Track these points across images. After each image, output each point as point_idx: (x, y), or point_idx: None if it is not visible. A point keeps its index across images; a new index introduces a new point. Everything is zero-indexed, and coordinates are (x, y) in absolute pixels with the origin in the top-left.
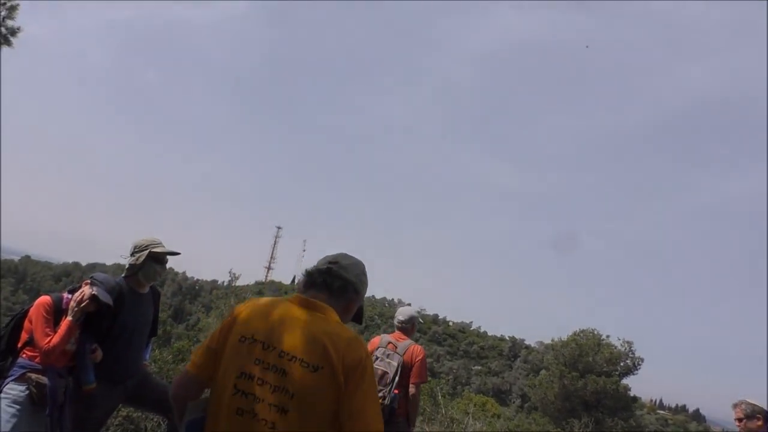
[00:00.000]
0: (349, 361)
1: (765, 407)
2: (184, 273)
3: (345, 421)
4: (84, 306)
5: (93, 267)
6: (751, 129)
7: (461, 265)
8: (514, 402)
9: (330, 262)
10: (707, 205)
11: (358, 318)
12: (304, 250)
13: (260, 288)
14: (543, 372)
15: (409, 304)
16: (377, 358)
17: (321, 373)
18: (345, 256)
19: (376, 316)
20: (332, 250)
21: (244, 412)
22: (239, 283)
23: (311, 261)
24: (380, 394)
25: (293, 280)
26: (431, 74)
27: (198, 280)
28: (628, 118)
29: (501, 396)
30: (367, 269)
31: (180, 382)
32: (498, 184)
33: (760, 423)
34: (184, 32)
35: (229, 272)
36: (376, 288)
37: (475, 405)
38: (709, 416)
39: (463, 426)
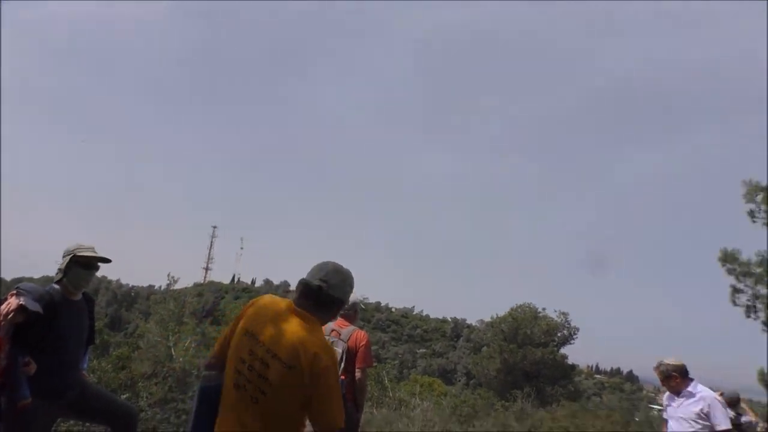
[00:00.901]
0: (316, 369)
1: (680, 363)
2: (118, 281)
3: (312, 418)
4: (12, 318)
5: (19, 281)
6: (671, 104)
7: (401, 253)
8: (459, 380)
9: (321, 280)
10: (635, 179)
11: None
12: (241, 248)
13: (200, 290)
14: (484, 348)
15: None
16: None
17: (293, 372)
18: (335, 273)
19: None
20: (269, 248)
21: (239, 387)
22: (178, 286)
23: (249, 258)
24: None
25: (233, 279)
26: (366, 63)
27: (134, 286)
28: (558, 100)
29: (447, 375)
30: (351, 275)
31: (207, 365)
32: (436, 172)
33: (678, 380)
34: (103, 31)
35: (168, 275)
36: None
37: (421, 386)
38: (642, 376)
39: (411, 407)
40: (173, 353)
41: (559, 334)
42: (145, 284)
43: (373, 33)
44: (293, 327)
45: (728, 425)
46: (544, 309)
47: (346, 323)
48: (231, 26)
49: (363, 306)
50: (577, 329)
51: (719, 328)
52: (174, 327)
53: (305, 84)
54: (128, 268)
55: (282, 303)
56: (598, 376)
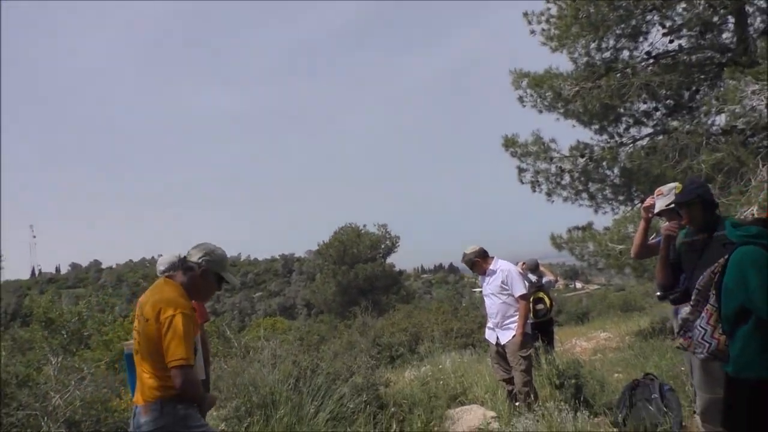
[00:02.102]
0: (161, 318)
1: (477, 248)
2: None
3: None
4: None
5: None
6: (439, 13)
7: (208, 201)
8: (301, 313)
9: (188, 253)
10: (417, 82)
11: (219, 283)
12: (34, 236)
13: None
14: (318, 276)
15: (162, 255)
16: None
17: (149, 324)
18: (198, 245)
19: (141, 280)
20: (67, 229)
21: (137, 342)
22: None
23: (46, 246)
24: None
25: (33, 272)
26: (117, 5)
27: None
28: (331, 19)
29: (288, 312)
30: (219, 250)
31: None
32: (218, 107)
33: (480, 262)
34: None
35: None
36: (125, 254)
37: (264, 328)
38: (463, 267)
39: (260, 349)
40: None
41: (383, 246)
42: None
43: None
44: (155, 292)
45: (523, 291)
46: (365, 226)
47: None
48: None
49: None
50: (398, 237)
51: (517, 207)
52: None
53: (50, 29)
54: None
55: (161, 279)
56: (424, 275)
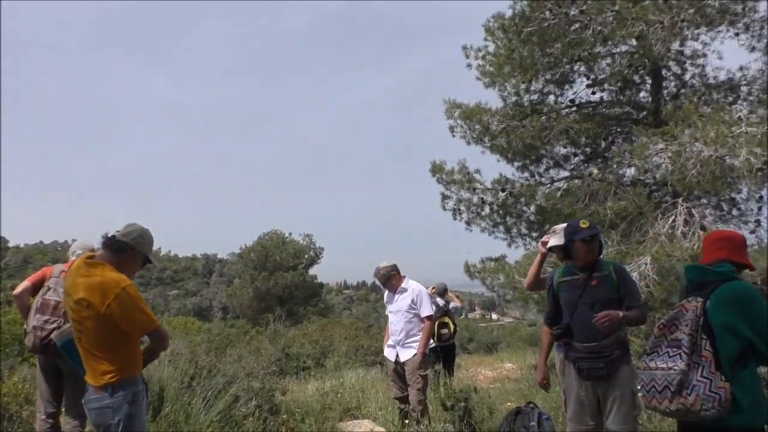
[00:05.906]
0: (107, 301)
1: (392, 263)
2: None
3: (135, 333)
4: None
5: None
6: (391, 32)
7: (133, 190)
8: (216, 316)
9: (116, 231)
10: (362, 101)
11: (147, 261)
12: None
13: None
14: (236, 280)
15: (75, 240)
16: (50, 289)
17: (89, 309)
18: (128, 225)
19: (50, 264)
20: None
21: (78, 332)
22: None
23: None
24: (56, 324)
25: None
26: None
27: None
28: (286, 22)
29: (203, 313)
30: (148, 232)
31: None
32: (160, 98)
33: (397, 277)
34: None
35: None
36: (43, 235)
37: (175, 328)
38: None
39: None
40: None
41: (306, 256)
42: None
43: None
44: (84, 275)
45: (430, 312)
46: (290, 233)
47: None
48: None
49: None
50: (323, 249)
51: (439, 232)
52: None
53: None
54: None
55: (79, 260)
56: (346, 291)
